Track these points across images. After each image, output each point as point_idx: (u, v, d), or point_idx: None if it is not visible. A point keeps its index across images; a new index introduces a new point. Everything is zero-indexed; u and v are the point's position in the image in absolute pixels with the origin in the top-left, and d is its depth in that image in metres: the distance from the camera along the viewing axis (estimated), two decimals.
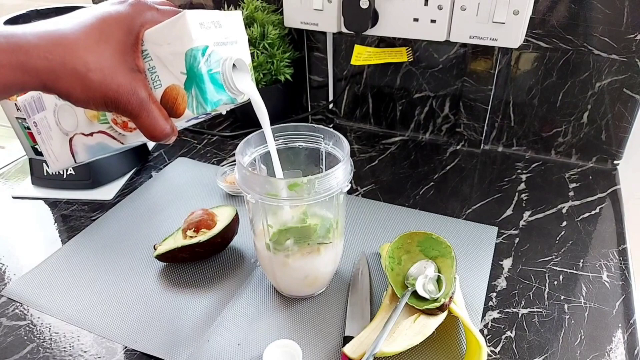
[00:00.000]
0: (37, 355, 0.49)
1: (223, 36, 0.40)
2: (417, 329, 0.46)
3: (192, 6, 0.94)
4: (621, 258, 0.58)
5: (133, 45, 0.36)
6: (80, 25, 0.34)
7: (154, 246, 0.59)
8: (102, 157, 0.46)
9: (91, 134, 0.44)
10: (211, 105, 0.39)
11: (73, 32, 0.33)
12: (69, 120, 0.44)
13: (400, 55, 0.79)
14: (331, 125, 0.92)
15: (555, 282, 0.55)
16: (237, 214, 0.60)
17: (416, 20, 0.68)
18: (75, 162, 0.46)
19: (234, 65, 0.40)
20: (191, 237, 0.57)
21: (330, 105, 0.92)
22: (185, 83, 0.38)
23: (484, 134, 0.81)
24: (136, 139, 0.42)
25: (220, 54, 0.39)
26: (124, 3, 0.36)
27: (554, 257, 0.59)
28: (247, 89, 0.42)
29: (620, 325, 0.50)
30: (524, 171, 0.76)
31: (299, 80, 0.90)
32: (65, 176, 0.73)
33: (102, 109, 0.36)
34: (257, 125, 0.47)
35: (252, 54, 0.80)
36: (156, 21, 0.37)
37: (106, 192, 0.73)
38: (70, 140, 0.45)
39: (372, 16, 0.69)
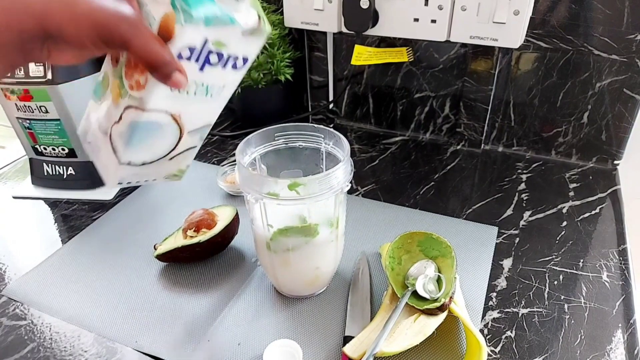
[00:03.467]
0: (38, 354, 0.49)
1: None
2: (417, 329, 0.46)
3: None
4: (621, 258, 0.58)
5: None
6: None
7: (154, 246, 0.59)
8: (143, 157, 0.43)
9: (120, 118, 0.42)
10: (194, 4, 0.37)
11: None
12: (103, 114, 0.43)
13: (401, 55, 0.79)
14: (331, 125, 0.92)
15: (555, 282, 0.55)
16: (237, 214, 0.60)
17: (416, 20, 0.68)
18: (119, 161, 0.43)
19: None
20: (191, 237, 0.57)
21: (331, 105, 0.92)
22: (171, 2, 0.37)
23: (484, 134, 0.81)
24: (152, 95, 0.40)
25: None
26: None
27: (554, 257, 0.59)
28: None
29: (620, 325, 0.50)
30: (524, 171, 0.76)
31: (300, 80, 0.90)
32: (65, 176, 0.73)
33: (96, 44, 0.35)
34: (257, 125, 0.46)
35: None
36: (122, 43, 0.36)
37: (106, 192, 0.73)
38: (110, 137, 0.43)
39: (373, 16, 0.69)
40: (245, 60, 0.43)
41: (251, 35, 0.42)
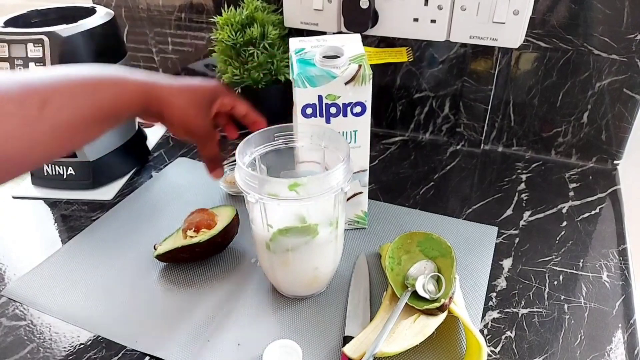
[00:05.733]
0: (37, 355, 0.49)
1: None
2: (417, 329, 0.46)
3: (192, 6, 0.94)
4: (621, 258, 0.58)
5: (209, 107, 0.52)
6: (180, 83, 0.51)
7: (154, 246, 0.59)
8: None
9: None
10: (300, 74, 0.52)
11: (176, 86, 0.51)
12: None
13: (400, 55, 0.79)
14: None
15: (555, 282, 0.55)
16: (237, 214, 0.60)
17: (416, 20, 0.68)
18: None
19: None
20: (191, 237, 0.57)
21: None
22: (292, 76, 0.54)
23: (484, 134, 0.81)
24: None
25: None
26: (211, 83, 0.53)
27: (554, 257, 0.59)
28: None
29: (620, 325, 0.50)
30: (524, 171, 0.76)
31: None
32: (65, 176, 0.73)
33: (182, 133, 0.51)
34: None
35: (252, 54, 0.80)
36: (230, 103, 0.54)
37: (106, 192, 0.73)
38: None
39: (372, 16, 0.69)
40: (361, 104, 0.53)
41: (354, 83, 0.52)
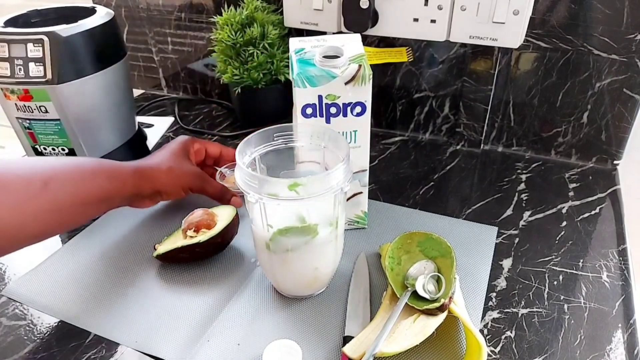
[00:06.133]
0: (37, 354, 0.49)
1: None
2: (417, 329, 0.46)
3: (192, 6, 0.94)
4: (621, 258, 0.58)
5: (187, 154, 0.63)
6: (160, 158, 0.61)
7: (154, 246, 0.59)
8: None
9: None
10: (300, 74, 0.52)
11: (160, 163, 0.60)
12: None
13: (400, 55, 0.79)
14: None
15: (555, 282, 0.55)
16: (237, 214, 0.60)
17: (416, 20, 0.68)
18: None
19: None
20: (191, 237, 0.57)
21: None
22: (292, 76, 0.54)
23: (483, 134, 0.81)
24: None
25: None
26: (179, 140, 0.65)
27: (554, 257, 0.59)
28: None
29: (620, 325, 0.50)
30: (524, 171, 0.76)
31: None
32: None
33: (185, 192, 0.62)
34: (257, 125, 0.47)
35: (252, 54, 0.80)
36: (201, 147, 0.66)
37: None
38: None
39: (372, 16, 0.69)
40: (361, 104, 0.53)
41: (354, 83, 0.52)
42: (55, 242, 0.64)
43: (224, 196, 0.63)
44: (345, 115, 0.54)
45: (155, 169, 0.58)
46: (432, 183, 0.74)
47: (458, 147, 0.83)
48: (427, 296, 0.49)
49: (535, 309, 0.52)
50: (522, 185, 0.73)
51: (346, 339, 0.47)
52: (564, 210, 0.67)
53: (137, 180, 0.56)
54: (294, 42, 0.57)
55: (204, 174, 0.62)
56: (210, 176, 0.65)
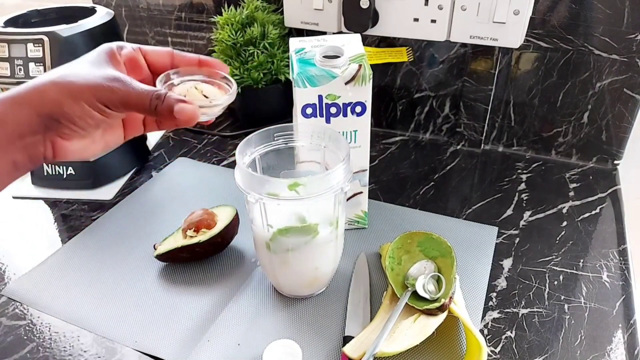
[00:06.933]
0: (37, 354, 0.49)
1: None
2: (417, 329, 0.46)
3: (192, 6, 0.94)
4: (621, 258, 0.58)
5: (106, 64, 0.39)
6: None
7: (154, 246, 0.59)
8: None
9: None
10: (300, 74, 0.52)
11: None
12: None
13: (401, 55, 0.79)
14: None
15: (556, 282, 0.55)
16: (237, 214, 0.60)
17: (416, 20, 0.68)
18: None
19: None
20: (191, 237, 0.57)
21: None
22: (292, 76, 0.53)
23: (484, 134, 0.81)
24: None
25: None
26: (99, 48, 0.41)
27: (554, 257, 0.59)
28: None
29: (620, 325, 0.50)
30: (524, 171, 0.76)
31: None
32: (65, 176, 0.73)
33: (100, 110, 0.37)
34: (257, 125, 0.46)
35: (252, 54, 0.80)
36: (132, 48, 0.42)
37: (106, 192, 0.73)
38: None
39: (373, 16, 0.69)
40: (361, 104, 0.53)
41: (354, 83, 0.52)
42: (55, 242, 0.64)
43: (159, 103, 0.37)
44: (345, 115, 0.54)
45: (35, 86, 0.36)
46: (432, 183, 0.74)
47: (458, 147, 0.83)
48: (427, 296, 0.49)
49: (535, 309, 0.52)
50: (523, 185, 0.73)
51: (346, 339, 0.47)
52: (564, 210, 0.67)
53: (5, 109, 0.36)
54: (294, 42, 0.57)
55: (121, 76, 0.38)
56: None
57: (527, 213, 0.67)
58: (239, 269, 0.58)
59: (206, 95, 0.41)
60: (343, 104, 0.53)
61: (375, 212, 0.66)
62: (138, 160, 0.80)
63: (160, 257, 0.58)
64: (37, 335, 0.51)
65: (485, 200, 0.70)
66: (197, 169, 0.78)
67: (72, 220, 0.68)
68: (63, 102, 0.36)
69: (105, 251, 0.62)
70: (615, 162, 0.76)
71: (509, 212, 0.67)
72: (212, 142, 0.87)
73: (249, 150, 0.50)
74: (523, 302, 0.53)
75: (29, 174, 0.74)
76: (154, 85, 0.41)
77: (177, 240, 0.58)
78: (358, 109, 0.53)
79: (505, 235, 0.62)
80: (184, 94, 0.40)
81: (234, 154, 0.81)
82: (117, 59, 0.40)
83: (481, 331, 0.50)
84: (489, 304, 0.53)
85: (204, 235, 0.57)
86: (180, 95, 0.39)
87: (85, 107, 0.36)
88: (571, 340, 0.48)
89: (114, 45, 0.41)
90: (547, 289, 0.54)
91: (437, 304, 0.47)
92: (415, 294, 0.50)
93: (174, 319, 0.52)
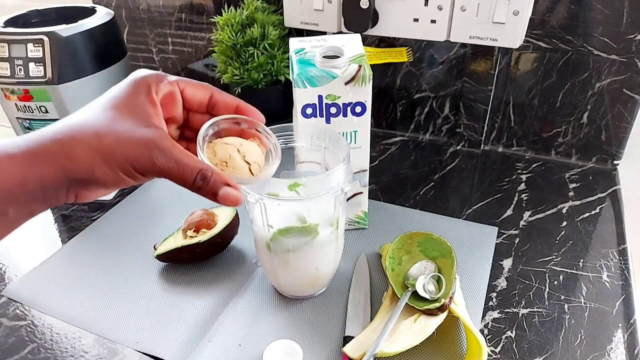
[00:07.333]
0: (38, 355, 0.49)
1: None
2: (417, 329, 0.46)
3: (192, 7, 0.94)
4: (621, 258, 0.58)
5: (142, 104, 0.35)
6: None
7: (154, 246, 0.59)
8: None
9: None
10: (300, 74, 0.52)
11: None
12: None
13: (400, 56, 0.79)
14: None
15: (556, 282, 0.55)
16: (237, 214, 0.60)
17: (416, 20, 0.68)
18: None
19: None
20: (191, 237, 0.57)
21: None
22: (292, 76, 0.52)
23: (484, 135, 0.81)
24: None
25: None
26: (135, 79, 0.35)
27: (554, 257, 0.59)
28: None
29: (620, 325, 0.50)
30: (524, 171, 0.76)
31: None
32: None
33: (132, 176, 0.34)
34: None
35: (252, 55, 0.80)
36: (170, 83, 0.37)
37: None
38: None
39: (372, 16, 0.69)
40: (361, 105, 0.53)
41: (354, 83, 0.52)
42: (55, 242, 0.64)
43: (204, 184, 0.36)
44: (345, 115, 0.54)
45: (61, 141, 0.31)
46: (432, 183, 0.74)
47: (458, 147, 0.83)
48: (427, 296, 0.49)
49: (535, 309, 0.52)
50: (522, 186, 0.73)
51: (347, 339, 0.47)
52: (564, 210, 0.67)
53: (28, 166, 0.30)
54: (294, 43, 0.58)
55: (161, 141, 0.33)
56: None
57: (527, 213, 0.67)
58: (239, 269, 0.58)
59: (248, 161, 0.38)
60: (343, 104, 0.53)
61: (375, 212, 0.67)
62: None
63: (160, 257, 0.58)
64: (38, 335, 0.51)
65: (485, 200, 0.70)
66: None
67: (72, 220, 0.68)
68: (95, 168, 0.32)
69: (106, 251, 0.62)
70: (615, 162, 0.76)
71: (509, 212, 0.67)
72: None
73: None
74: (523, 302, 0.53)
75: None
76: (185, 124, 0.39)
77: (177, 241, 0.58)
78: (358, 109, 0.53)
79: (505, 236, 0.63)
80: (226, 160, 0.37)
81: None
82: (153, 99, 0.35)
83: (481, 331, 0.50)
84: (489, 304, 0.53)
85: (204, 236, 0.57)
86: (222, 161, 0.37)
87: (120, 174, 0.33)
88: (571, 340, 0.48)
89: (152, 79, 0.35)
90: (547, 289, 0.54)
91: (437, 304, 0.47)
92: (415, 294, 0.50)
93: (175, 320, 0.52)
